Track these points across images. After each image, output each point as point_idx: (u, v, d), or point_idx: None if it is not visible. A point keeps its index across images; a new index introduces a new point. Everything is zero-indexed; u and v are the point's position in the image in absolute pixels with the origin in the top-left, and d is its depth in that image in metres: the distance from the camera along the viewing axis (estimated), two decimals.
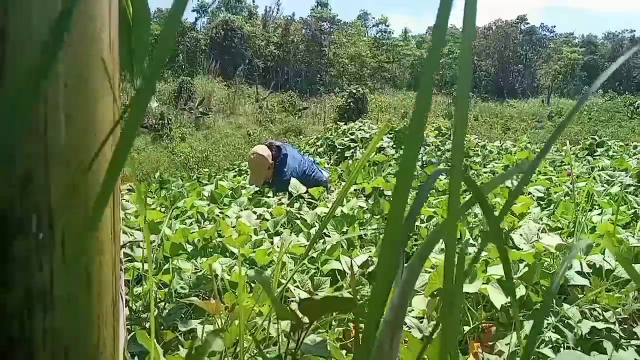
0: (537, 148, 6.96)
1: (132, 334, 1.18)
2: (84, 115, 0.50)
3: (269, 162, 3.89)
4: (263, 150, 3.96)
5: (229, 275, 1.60)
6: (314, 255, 1.89)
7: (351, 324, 1.35)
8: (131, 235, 1.94)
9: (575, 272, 1.54)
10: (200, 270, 1.70)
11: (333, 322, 1.40)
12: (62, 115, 0.47)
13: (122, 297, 0.76)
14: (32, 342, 0.46)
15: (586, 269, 1.58)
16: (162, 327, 1.32)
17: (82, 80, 0.50)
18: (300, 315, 1.04)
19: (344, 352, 1.14)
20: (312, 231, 2.24)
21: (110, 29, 0.55)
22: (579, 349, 1.26)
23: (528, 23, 32.97)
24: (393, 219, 0.30)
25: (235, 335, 1.10)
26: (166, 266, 1.72)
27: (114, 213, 0.59)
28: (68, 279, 0.49)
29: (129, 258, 1.80)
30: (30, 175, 0.44)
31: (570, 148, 5.44)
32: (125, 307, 1.17)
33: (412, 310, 1.45)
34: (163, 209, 2.83)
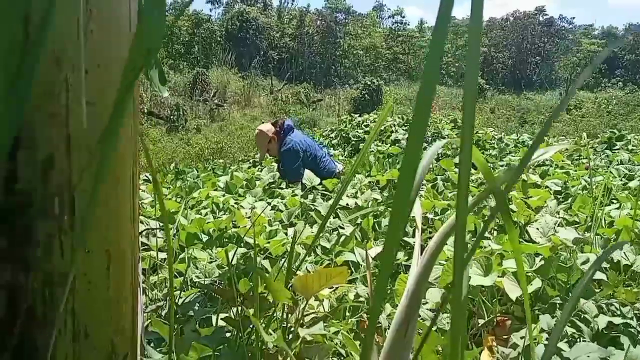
0: (555, 141, 6.86)
1: (148, 322, 1.20)
2: (105, 101, 0.50)
3: (269, 136, 4.13)
4: (264, 126, 4.24)
5: (243, 265, 1.61)
6: (328, 246, 1.89)
7: (365, 314, 1.35)
8: (147, 224, 1.97)
9: None
10: (216, 260, 1.71)
11: (347, 313, 1.40)
12: (83, 102, 0.47)
13: (139, 284, 0.77)
14: (54, 323, 0.47)
15: (604, 264, 1.56)
16: (177, 315, 1.33)
17: (102, 68, 0.50)
18: (296, 293, 1.04)
19: (357, 343, 1.14)
20: (327, 223, 2.24)
21: (131, 18, 0.55)
22: (595, 343, 1.25)
23: (546, 14, 32.33)
24: (398, 206, 0.29)
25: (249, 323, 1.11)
26: (182, 255, 1.74)
27: (133, 200, 0.59)
28: (89, 263, 0.50)
29: (145, 247, 1.82)
30: (52, 159, 0.45)
31: (589, 141, 5.35)
32: (142, 294, 1.19)
33: (427, 302, 1.45)
34: (179, 199, 2.86)
